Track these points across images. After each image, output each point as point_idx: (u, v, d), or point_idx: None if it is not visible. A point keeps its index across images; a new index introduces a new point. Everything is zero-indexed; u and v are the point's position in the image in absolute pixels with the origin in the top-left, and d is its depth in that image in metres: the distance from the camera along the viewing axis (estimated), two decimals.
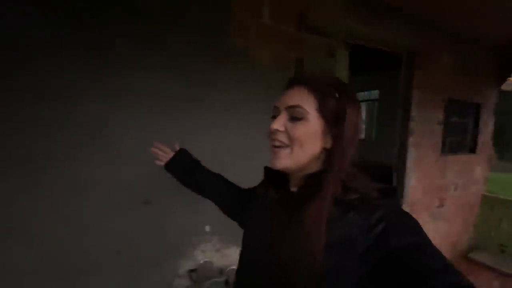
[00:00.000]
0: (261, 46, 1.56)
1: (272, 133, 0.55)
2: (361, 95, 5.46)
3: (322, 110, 0.52)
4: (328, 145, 0.54)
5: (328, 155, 0.54)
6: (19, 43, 1.01)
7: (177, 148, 0.99)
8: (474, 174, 3.29)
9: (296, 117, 0.52)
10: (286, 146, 0.53)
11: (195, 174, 0.93)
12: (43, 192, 1.10)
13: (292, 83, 0.57)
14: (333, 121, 0.52)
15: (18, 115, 1.03)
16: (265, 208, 0.62)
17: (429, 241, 0.44)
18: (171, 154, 0.97)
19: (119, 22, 1.17)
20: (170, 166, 0.96)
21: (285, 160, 0.54)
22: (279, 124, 0.54)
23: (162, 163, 0.97)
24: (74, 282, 1.18)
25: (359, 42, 2.10)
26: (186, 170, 0.95)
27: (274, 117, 0.57)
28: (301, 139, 0.52)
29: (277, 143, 0.54)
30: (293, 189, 0.59)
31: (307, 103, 0.52)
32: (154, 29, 1.25)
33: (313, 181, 0.53)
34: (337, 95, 0.53)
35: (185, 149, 0.99)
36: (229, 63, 1.46)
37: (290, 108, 0.53)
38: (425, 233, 0.45)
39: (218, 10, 1.41)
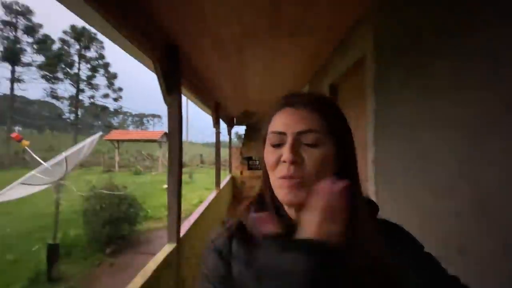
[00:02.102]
0: None
1: (284, 165, 0.46)
2: None
3: (332, 133, 0.47)
4: (335, 170, 0.48)
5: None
6: None
7: None
8: None
9: (311, 143, 0.46)
10: (301, 177, 0.45)
11: None
12: None
13: (288, 104, 0.49)
14: (342, 143, 0.48)
15: None
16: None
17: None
18: None
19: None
20: None
21: (301, 194, 0.45)
22: (294, 154, 0.45)
23: None
24: None
25: None
26: None
27: (276, 146, 0.48)
28: (317, 168, 0.45)
29: (292, 177, 0.45)
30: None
31: (317, 126, 0.46)
32: None
33: None
34: (340, 114, 0.50)
35: None
36: None
37: (303, 134, 0.46)
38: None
39: None
